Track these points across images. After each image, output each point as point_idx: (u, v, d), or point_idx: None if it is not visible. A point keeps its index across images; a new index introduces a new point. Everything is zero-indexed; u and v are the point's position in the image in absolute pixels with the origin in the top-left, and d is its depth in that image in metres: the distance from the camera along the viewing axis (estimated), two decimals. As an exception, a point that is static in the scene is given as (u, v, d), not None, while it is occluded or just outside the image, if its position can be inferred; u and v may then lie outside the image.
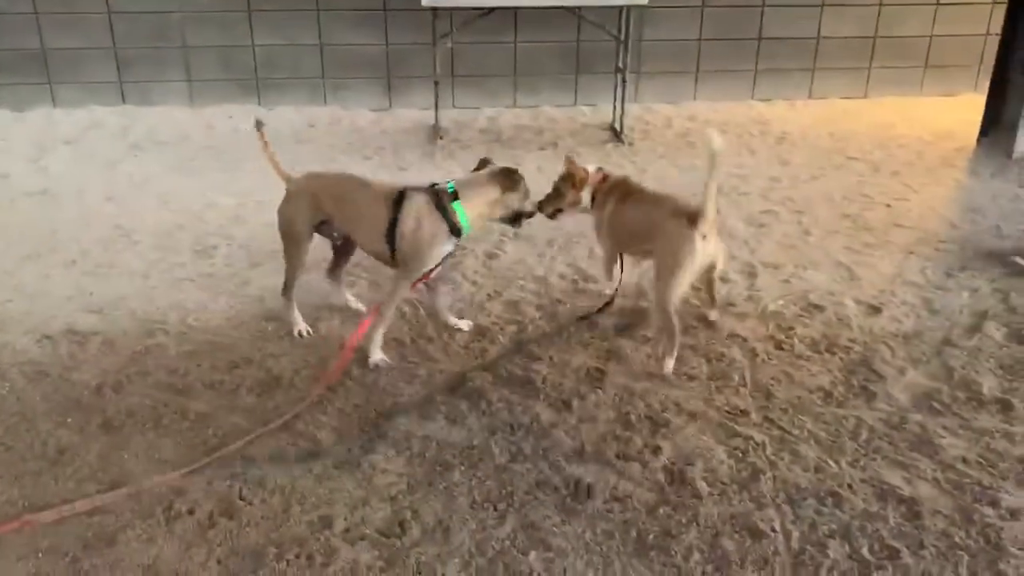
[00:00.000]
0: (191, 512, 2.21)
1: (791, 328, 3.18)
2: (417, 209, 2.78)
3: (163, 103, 5.77)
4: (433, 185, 2.85)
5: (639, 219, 3.02)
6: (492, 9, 5.14)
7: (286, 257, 3.02)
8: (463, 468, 2.37)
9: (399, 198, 2.79)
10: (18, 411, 2.62)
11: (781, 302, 3.38)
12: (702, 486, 2.31)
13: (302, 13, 5.71)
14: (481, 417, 2.62)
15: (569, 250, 3.83)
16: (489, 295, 3.42)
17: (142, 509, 2.22)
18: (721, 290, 3.44)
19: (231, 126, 5.52)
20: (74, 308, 3.26)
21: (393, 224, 2.78)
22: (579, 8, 5.27)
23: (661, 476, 2.35)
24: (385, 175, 4.70)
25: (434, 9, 4.91)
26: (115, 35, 5.63)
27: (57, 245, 3.80)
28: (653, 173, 4.83)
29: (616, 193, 3.13)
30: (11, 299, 3.31)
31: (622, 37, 5.31)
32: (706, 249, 2.82)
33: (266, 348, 3.00)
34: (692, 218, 2.79)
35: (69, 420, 2.59)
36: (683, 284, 2.84)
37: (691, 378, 2.86)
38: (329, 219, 2.94)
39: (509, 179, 2.88)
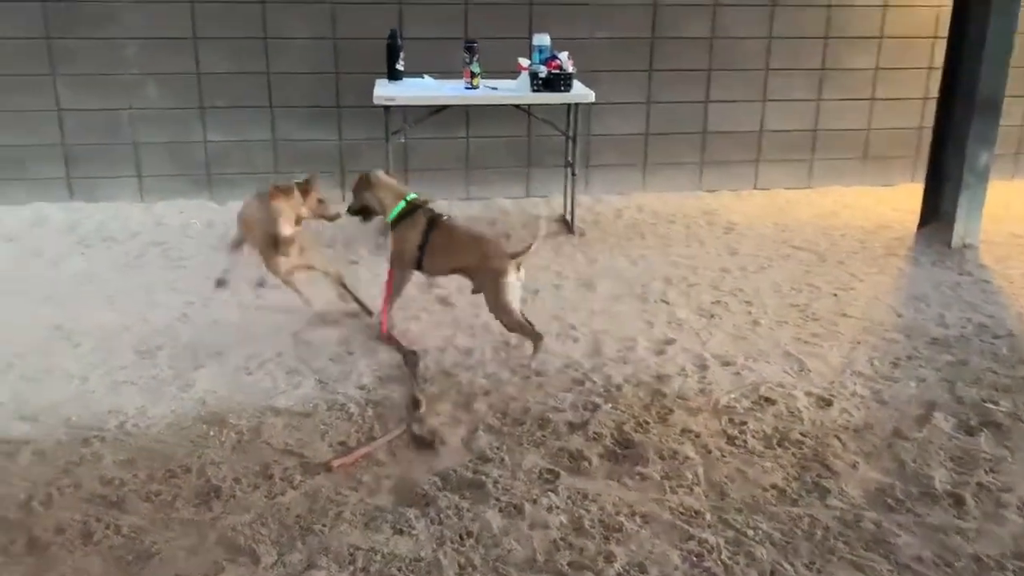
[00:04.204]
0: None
1: (743, 423, 3.17)
2: None
3: (113, 199, 5.71)
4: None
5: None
6: (444, 107, 5.23)
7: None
8: (409, 582, 2.28)
9: None
10: (-64, 531, 2.48)
11: (733, 395, 3.38)
12: (657, 595, 2.25)
13: (255, 110, 5.75)
14: (430, 526, 2.53)
15: (521, 347, 3.81)
16: (437, 391, 3.36)
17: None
18: (674, 384, 3.45)
19: (181, 221, 5.47)
20: (6, 415, 3.13)
21: None
22: (529, 106, 5.39)
23: (615, 585, 2.28)
24: (343, 267, 4.67)
25: (386, 107, 4.98)
26: (64, 132, 5.60)
27: (-8, 348, 3.67)
28: (604, 263, 4.87)
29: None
30: (-61, 407, 3.17)
31: (570, 133, 5.43)
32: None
33: (206, 455, 2.89)
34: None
35: (-9, 540, 2.45)
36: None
37: (644, 478, 2.82)
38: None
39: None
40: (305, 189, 3.93)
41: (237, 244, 4.19)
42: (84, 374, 3.46)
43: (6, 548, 2.42)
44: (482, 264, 3.56)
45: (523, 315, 3.62)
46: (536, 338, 3.61)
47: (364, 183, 3.81)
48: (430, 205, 3.78)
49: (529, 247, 3.53)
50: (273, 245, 3.76)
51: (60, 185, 5.68)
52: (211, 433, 3.03)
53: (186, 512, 2.59)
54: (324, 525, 2.53)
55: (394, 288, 3.84)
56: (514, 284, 3.52)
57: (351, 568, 2.35)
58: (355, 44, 5.68)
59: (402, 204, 3.74)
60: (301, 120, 5.84)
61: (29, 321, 3.94)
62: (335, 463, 2.83)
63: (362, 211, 3.87)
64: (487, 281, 3.56)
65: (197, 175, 5.80)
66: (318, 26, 5.65)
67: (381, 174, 3.86)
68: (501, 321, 3.61)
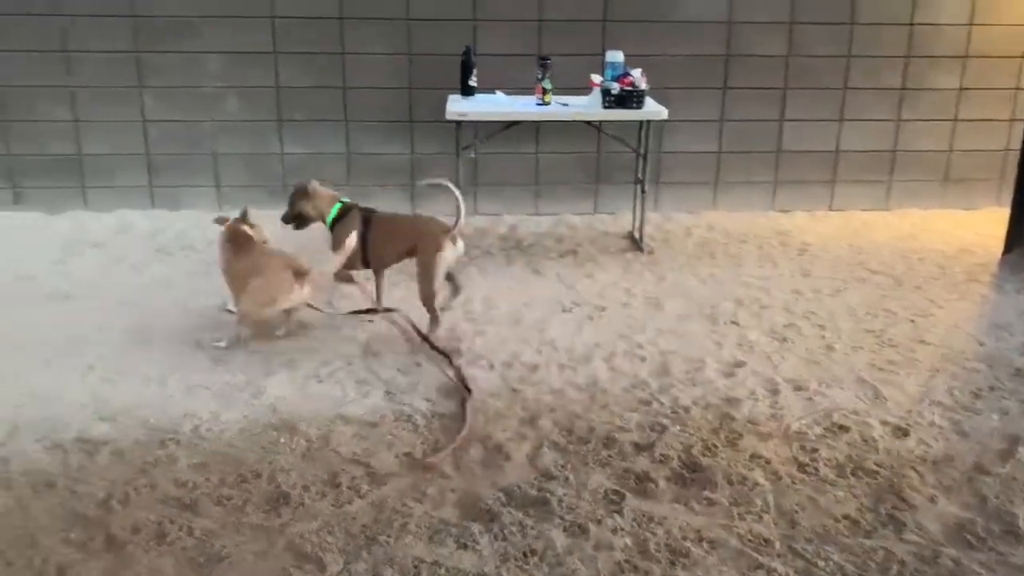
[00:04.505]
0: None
1: (815, 450, 3.09)
2: None
3: (192, 207, 5.89)
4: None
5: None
6: (515, 122, 5.26)
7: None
8: (473, 598, 2.28)
9: None
10: (21, 525, 2.57)
11: (805, 421, 3.30)
12: (724, 624, 2.20)
13: (331, 123, 5.88)
14: (493, 542, 2.53)
15: (588, 360, 3.78)
16: (502, 408, 3.36)
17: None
18: (743, 407, 3.38)
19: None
20: (87, 416, 3.24)
21: None
22: (600, 123, 5.39)
23: (680, 611, 2.24)
24: (404, 279, 4.71)
25: (458, 123, 5.04)
26: (148, 142, 5.81)
27: (75, 349, 3.81)
28: (672, 282, 4.82)
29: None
30: (24, 404, 3.30)
31: (641, 150, 5.40)
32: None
33: (276, 461, 2.95)
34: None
35: (72, 536, 2.53)
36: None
37: (712, 503, 2.76)
38: None
39: None
40: (251, 223, 4.04)
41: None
42: (161, 377, 3.56)
43: (85, 544, 2.50)
44: (422, 242, 3.86)
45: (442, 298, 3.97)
46: (434, 322, 3.93)
47: (302, 193, 4.09)
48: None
49: (458, 221, 3.83)
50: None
51: (143, 193, 5.88)
52: (281, 440, 3.08)
53: (256, 517, 2.64)
54: (389, 536, 2.54)
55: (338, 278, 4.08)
56: (449, 257, 3.84)
57: (415, 581, 2.36)
58: (429, 60, 5.76)
59: (337, 206, 4.04)
60: (374, 134, 5.94)
61: (110, 325, 4.08)
62: (431, 460, 2.94)
63: (297, 219, 4.14)
64: (425, 256, 3.84)
65: (273, 186, 5.94)
66: (394, 42, 5.75)
67: (317, 184, 4.13)
68: (421, 291, 3.88)
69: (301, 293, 3.82)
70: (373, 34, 5.73)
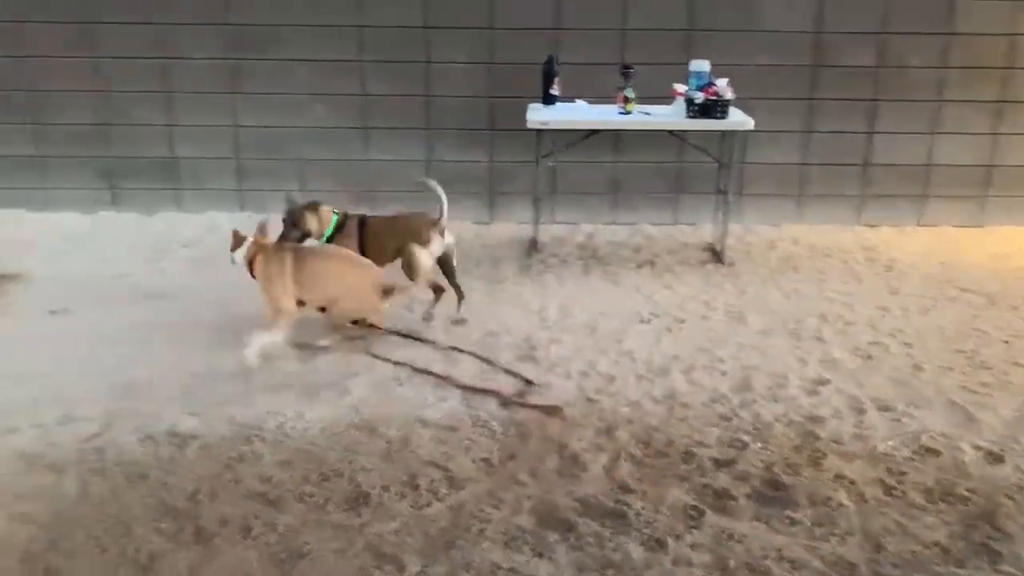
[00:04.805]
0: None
1: (903, 472, 2.99)
2: None
3: (278, 211, 6.04)
4: None
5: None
6: (596, 131, 5.26)
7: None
8: (549, 607, 2.28)
9: None
10: (116, 514, 2.68)
11: (891, 443, 3.20)
12: (806, 648, 2.14)
13: (412, 131, 5.97)
14: (570, 551, 2.52)
15: (667, 373, 3.75)
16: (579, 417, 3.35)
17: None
18: (827, 426, 3.30)
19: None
20: (177, 410, 3.35)
21: None
22: (682, 132, 5.33)
23: (761, 632, 2.20)
24: (481, 286, 4.77)
25: (539, 131, 5.06)
26: (238, 147, 6.00)
27: (166, 346, 3.95)
28: (754, 295, 4.73)
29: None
30: (119, 398, 3.44)
31: (724, 160, 5.33)
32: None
33: (357, 461, 3.00)
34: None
35: (163, 526, 2.62)
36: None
37: (794, 522, 2.70)
38: None
39: None
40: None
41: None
42: (247, 375, 3.66)
43: (175, 536, 2.58)
44: (412, 236, 4.09)
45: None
46: (438, 289, 4.23)
47: (312, 209, 4.18)
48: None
49: (442, 216, 4.14)
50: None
51: (232, 197, 6.08)
52: (362, 440, 3.14)
53: (337, 516, 2.69)
54: (467, 540, 2.56)
55: None
56: (436, 249, 4.13)
57: (492, 586, 2.37)
58: (510, 69, 5.80)
59: (335, 219, 4.20)
60: (454, 142, 6.01)
61: (200, 323, 4.22)
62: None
63: (304, 236, 4.21)
64: (413, 248, 4.09)
65: (355, 192, 6.06)
66: (476, 51, 5.81)
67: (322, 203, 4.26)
68: (415, 279, 4.10)
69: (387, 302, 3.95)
70: (456, 43, 5.81)
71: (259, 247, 3.84)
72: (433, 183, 4.18)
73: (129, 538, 2.56)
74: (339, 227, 4.19)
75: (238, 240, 3.88)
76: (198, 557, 2.49)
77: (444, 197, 4.15)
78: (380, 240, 4.18)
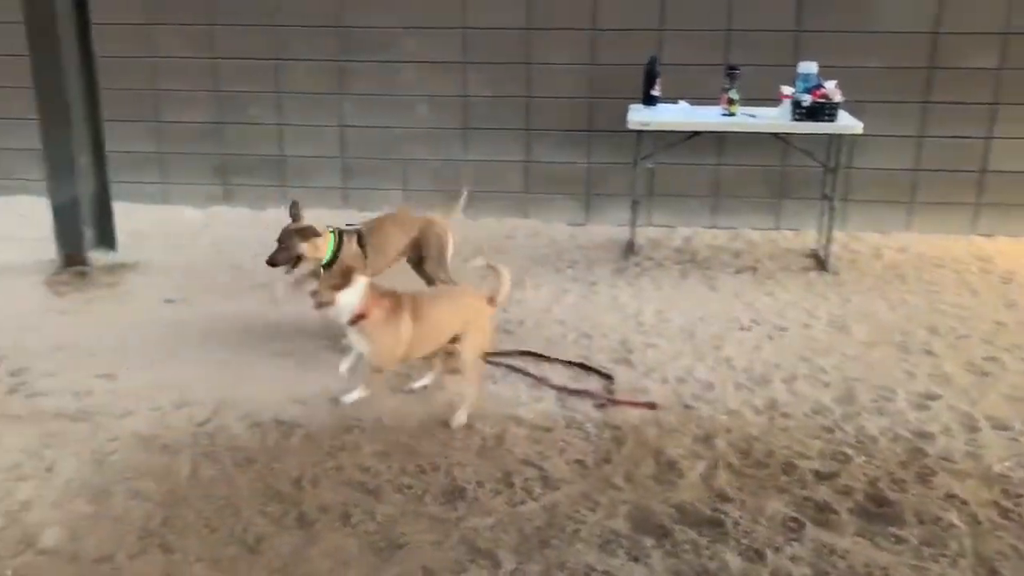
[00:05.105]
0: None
1: (1020, 495, 2.84)
2: None
3: (379, 210, 6.18)
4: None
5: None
6: (697, 133, 5.19)
7: None
8: (644, 611, 2.26)
9: None
10: (225, 495, 2.80)
11: (1008, 464, 3.04)
12: (913, 671, 2.07)
13: (512, 132, 6.02)
14: (666, 558, 2.50)
15: (767, 382, 3.67)
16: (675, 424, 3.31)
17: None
18: (937, 443, 3.17)
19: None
20: (282, 398, 3.47)
21: None
22: (787, 135, 5.20)
23: (864, 652, 2.13)
24: (576, 287, 4.77)
25: (639, 132, 5.02)
26: (344, 146, 6.18)
27: (273, 336, 4.09)
28: (859, 305, 4.57)
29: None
30: (229, 385, 3.58)
31: (831, 164, 5.17)
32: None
33: (453, 456, 3.05)
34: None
35: (268, 509, 2.72)
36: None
37: (900, 540, 2.61)
38: None
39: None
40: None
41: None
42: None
43: (279, 519, 2.68)
44: (422, 235, 4.04)
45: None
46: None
47: (303, 235, 3.76)
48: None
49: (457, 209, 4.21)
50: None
51: (337, 194, 6.25)
52: (458, 436, 3.18)
53: (434, 508, 2.74)
54: (561, 541, 2.57)
55: None
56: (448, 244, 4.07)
57: (586, 587, 2.37)
58: (612, 70, 5.78)
59: (332, 238, 3.83)
60: (553, 143, 6.03)
61: (305, 315, 4.34)
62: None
63: (296, 260, 3.80)
64: (431, 243, 4.04)
65: (453, 191, 6.14)
66: (578, 52, 5.81)
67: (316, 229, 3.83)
68: (434, 275, 4.04)
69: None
70: (558, 44, 5.82)
71: (375, 299, 3.19)
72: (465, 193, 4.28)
73: (237, 519, 2.67)
74: (338, 246, 3.84)
75: (345, 277, 3.16)
76: (300, 541, 2.57)
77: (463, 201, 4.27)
78: (385, 243, 4.01)
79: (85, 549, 2.53)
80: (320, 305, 3.18)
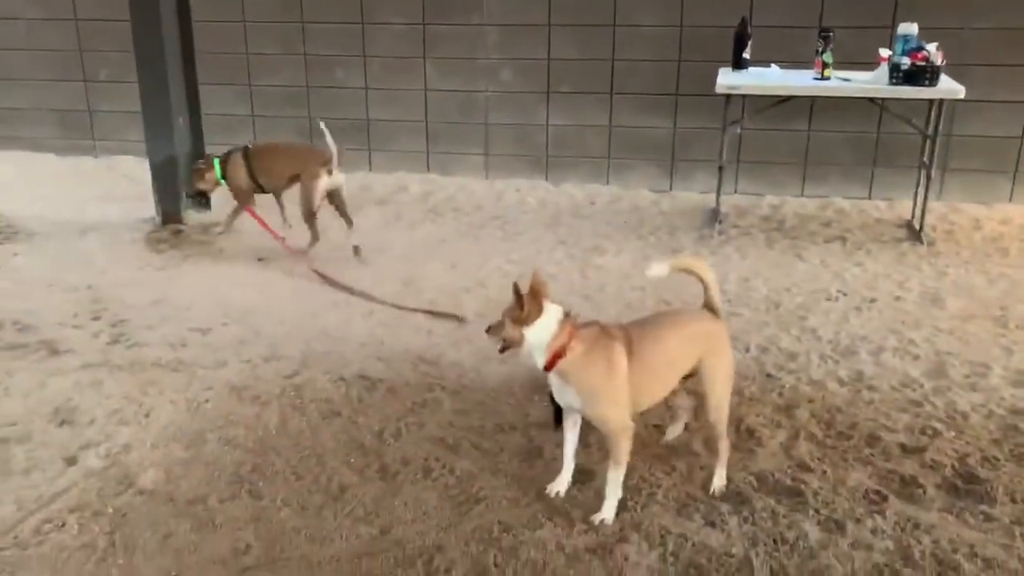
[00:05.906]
0: (447, 571, 2.29)
1: (1123, 478, 2.71)
2: None
3: (461, 174, 6.24)
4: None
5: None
6: (788, 97, 5.03)
7: None
8: (719, 576, 2.26)
9: None
10: (311, 446, 2.90)
11: (1111, 445, 2.90)
12: (998, 650, 2.01)
13: (595, 96, 5.96)
14: (742, 524, 2.49)
15: (853, 353, 3.57)
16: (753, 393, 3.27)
17: (405, 557, 2.35)
18: (1033, 422, 3.05)
19: (518, 199, 5.83)
20: (367, 354, 3.57)
21: None
22: (884, 100, 5.00)
23: (947, 628, 2.08)
24: (657, 254, 4.71)
25: (727, 96, 4.90)
26: (427, 110, 6.23)
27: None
28: (955, 278, 4.40)
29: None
30: (315, 340, 3.70)
31: (930, 131, 4.95)
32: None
33: (530, 418, 3.08)
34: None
35: (352, 460, 2.82)
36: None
37: (989, 518, 2.53)
38: None
39: None
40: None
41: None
42: (430, 327, 3.83)
43: (362, 470, 2.77)
44: (305, 167, 4.50)
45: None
46: (315, 238, 4.62)
47: (198, 173, 4.81)
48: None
49: (332, 156, 4.46)
50: None
51: (420, 158, 6.32)
52: (535, 399, 3.21)
53: (511, 466, 2.78)
54: (636, 503, 2.58)
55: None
56: (324, 182, 4.50)
57: (660, 549, 2.38)
58: (701, 32, 5.65)
59: (216, 164, 4.71)
60: (637, 107, 5.95)
61: (388, 276, 4.44)
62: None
63: (201, 194, 4.99)
64: (307, 182, 4.49)
65: (536, 156, 6.14)
66: (667, 14, 5.70)
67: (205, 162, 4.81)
68: (302, 210, 4.56)
69: None
70: (646, 6, 5.72)
71: (573, 334, 2.41)
72: (323, 126, 4.47)
73: (322, 468, 2.77)
74: (223, 167, 4.69)
75: (534, 305, 2.39)
76: (382, 492, 2.65)
77: (332, 143, 4.44)
78: (272, 165, 4.62)
79: (180, 491, 2.66)
80: (504, 347, 2.49)
